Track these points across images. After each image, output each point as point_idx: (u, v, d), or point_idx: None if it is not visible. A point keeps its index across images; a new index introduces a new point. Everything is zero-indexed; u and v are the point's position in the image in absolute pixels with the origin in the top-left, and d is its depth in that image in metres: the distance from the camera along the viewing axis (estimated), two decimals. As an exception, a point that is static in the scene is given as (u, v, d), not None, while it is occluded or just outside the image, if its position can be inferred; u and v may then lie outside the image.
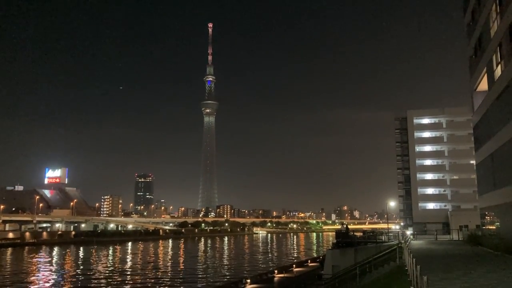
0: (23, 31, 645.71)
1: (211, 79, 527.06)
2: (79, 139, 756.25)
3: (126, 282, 62.11)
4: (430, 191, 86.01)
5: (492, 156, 35.55)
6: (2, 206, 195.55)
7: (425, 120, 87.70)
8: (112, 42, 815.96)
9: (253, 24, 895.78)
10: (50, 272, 72.42)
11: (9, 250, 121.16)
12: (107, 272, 73.31)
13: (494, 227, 38.08)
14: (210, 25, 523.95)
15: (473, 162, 61.04)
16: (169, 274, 70.52)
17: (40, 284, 60.56)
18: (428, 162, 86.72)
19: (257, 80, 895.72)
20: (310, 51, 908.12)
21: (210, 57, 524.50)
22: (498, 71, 32.51)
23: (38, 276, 68.58)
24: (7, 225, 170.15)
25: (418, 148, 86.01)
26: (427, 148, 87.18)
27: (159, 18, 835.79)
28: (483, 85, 38.45)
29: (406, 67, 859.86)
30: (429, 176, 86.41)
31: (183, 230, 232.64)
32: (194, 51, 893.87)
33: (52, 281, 63.36)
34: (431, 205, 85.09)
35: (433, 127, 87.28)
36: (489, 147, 36.39)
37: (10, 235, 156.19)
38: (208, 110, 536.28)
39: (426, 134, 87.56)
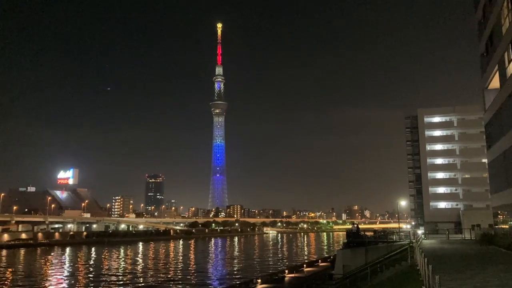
0: (32, 31, 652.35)
1: (220, 79, 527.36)
2: (90, 140, 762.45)
3: (138, 282, 62.46)
4: (441, 190, 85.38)
5: (504, 154, 35.20)
6: (15, 207, 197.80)
7: (436, 119, 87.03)
8: (120, 41, 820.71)
9: (262, 23, 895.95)
10: (63, 273, 73.12)
11: (22, 251, 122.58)
12: (119, 272, 73.85)
13: (507, 226, 37.69)
14: (219, 25, 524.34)
15: (485, 160, 60.49)
16: (180, 274, 70.81)
17: (53, 285, 61.18)
18: (439, 160, 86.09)
19: (266, 79, 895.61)
20: (319, 50, 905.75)
21: (219, 57, 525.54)
22: (510, 69, 32.20)
23: (51, 276, 69.30)
24: (20, 226, 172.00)
25: (429, 147, 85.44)
26: (438, 146, 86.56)
27: (167, 17, 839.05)
28: (495, 83, 38.10)
29: (416, 66, 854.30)
30: (440, 175, 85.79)
31: (193, 230, 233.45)
32: (203, 50, 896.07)
33: (65, 281, 63.97)
34: (442, 204, 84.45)
35: (444, 125, 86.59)
36: (501, 145, 36.04)
37: (23, 235, 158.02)
38: (217, 110, 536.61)
39: (437, 133, 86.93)
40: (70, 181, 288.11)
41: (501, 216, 40.73)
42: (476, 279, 17.21)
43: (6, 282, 62.27)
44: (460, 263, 23.63)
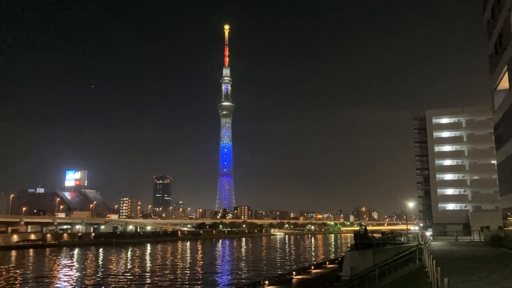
0: (41, 30, 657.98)
1: (227, 81, 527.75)
2: (98, 142, 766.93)
3: (145, 283, 62.69)
4: (450, 191, 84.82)
5: (514, 155, 34.90)
6: (24, 208, 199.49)
7: (444, 120, 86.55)
8: (126, 42, 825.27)
9: (269, 24, 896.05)
10: (72, 274, 73.56)
11: (31, 252, 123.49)
12: (127, 273, 74.13)
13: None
14: (226, 27, 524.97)
15: (494, 162, 60.01)
16: (187, 276, 70.95)
17: (62, 286, 61.57)
18: (447, 162, 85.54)
19: (273, 81, 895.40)
20: (326, 51, 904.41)
21: (226, 59, 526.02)
22: (519, 69, 31.94)
23: (59, 277, 69.76)
24: (29, 226, 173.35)
25: (437, 148, 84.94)
26: (447, 148, 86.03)
27: (175, 18, 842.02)
28: (504, 83, 37.83)
29: (425, 66, 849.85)
30: (448, 176, 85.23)
31: (201, 232, 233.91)
32: (210, 51, 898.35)
33: (74, 282, 64.33)
34: (451, 206, 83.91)
35: (452, 126, 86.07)
36: (510, 146, 35.75)
37: (32, 236, 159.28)
38: (224, 112, 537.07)
39: (445, 134, 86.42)
40: (78, 183, 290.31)
41: (510, 218, 40.39)
42: (485, 281, 17.08)
43: (15, 283, 62.77)
44: (469, 266, 23.46)
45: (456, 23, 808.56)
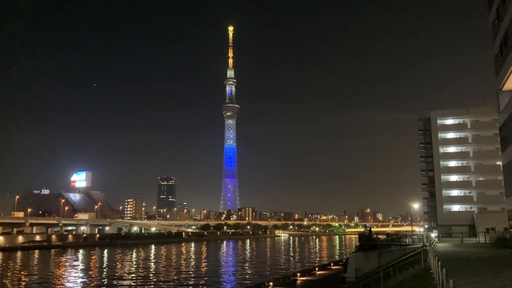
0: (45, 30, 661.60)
1: (231, 82, 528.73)
2: (103, 143, 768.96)
3: (150, 284, 62.75)
4: (455, 193, 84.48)
5: (519, 156, 34.73)
6: (29, 209, 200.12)
7: (449, 121, 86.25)
8: (131, 42, 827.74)
9: (273, 25, 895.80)
10: (77, 275, 73.79)
11: (37, 253, 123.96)
12: (131, 275, 74.30)
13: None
14: (231, 28, 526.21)
15: (499, 163, 59.79)
16: (191, 277, 71.01)
17: (67, 287, 61.76)
18: (452, 163, 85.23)
19: (277, 82, 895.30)
20: (330, 52, 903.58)
21: (230, 60, 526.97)
22: (524, 70, 31.76)
23: (64, 278, 69.98)
24: (34, 228, 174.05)
25: (442, 149, 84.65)
26: (452, 149, 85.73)
27: (177, 18, 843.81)
28: (509, 84, 37.67)
29: (430, 67, 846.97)
30: (453, 177, 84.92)
31: (205, 233, 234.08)
32: (215, 51, 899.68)
33: (78, 283, 64.53)
34: (456, 207, 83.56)
35: (457, 127, 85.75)
36: (516, 147, 35.56)
37: (37, 237, 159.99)
38: (229, 113, 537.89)
39: (450, 135, 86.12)
40: (83, 184, 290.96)
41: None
42: (491, 283, 17.00)
43: (21, 284, 63.02)
44: (474, 267, 23.35)
45: (461, 23, 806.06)
